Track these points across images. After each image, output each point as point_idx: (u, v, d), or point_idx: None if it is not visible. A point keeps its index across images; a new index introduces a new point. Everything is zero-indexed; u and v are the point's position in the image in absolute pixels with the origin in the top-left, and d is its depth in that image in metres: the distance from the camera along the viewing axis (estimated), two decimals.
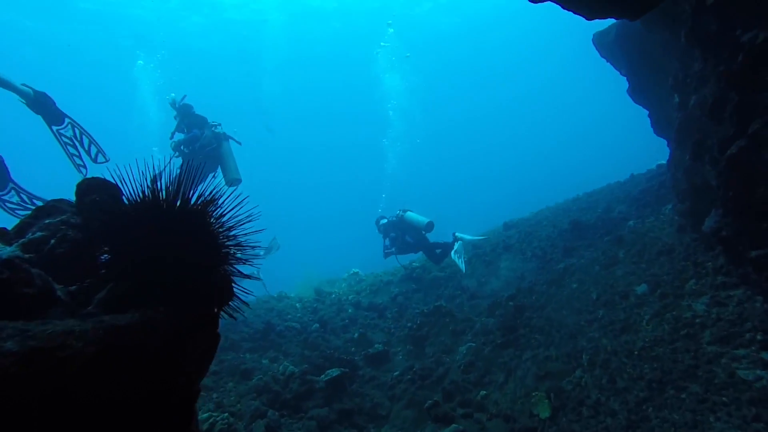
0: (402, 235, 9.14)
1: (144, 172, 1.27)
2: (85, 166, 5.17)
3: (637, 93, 6.80)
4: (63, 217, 1.19)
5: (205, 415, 4.54)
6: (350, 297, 9.47)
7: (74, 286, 1.08)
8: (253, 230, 1.47)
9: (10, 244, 1.14)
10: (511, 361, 4.88)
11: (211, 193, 1.31)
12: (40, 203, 5.47)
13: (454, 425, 4.13)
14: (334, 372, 4.85)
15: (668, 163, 6.15)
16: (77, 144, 5.09)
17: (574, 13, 3.09)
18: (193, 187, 1.25)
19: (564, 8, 3.14)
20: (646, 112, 7.75)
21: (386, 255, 9.36)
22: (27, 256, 1.09)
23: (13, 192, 4.97)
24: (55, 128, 4.92)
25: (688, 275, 4.23)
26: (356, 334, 7.08)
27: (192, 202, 1.25)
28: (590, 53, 8.37)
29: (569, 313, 5.14)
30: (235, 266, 1.43)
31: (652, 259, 5.17)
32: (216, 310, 1.39)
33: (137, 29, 24.91)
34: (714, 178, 3.20)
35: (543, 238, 8.87)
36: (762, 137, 2.68)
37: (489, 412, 4.37)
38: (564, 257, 7.16)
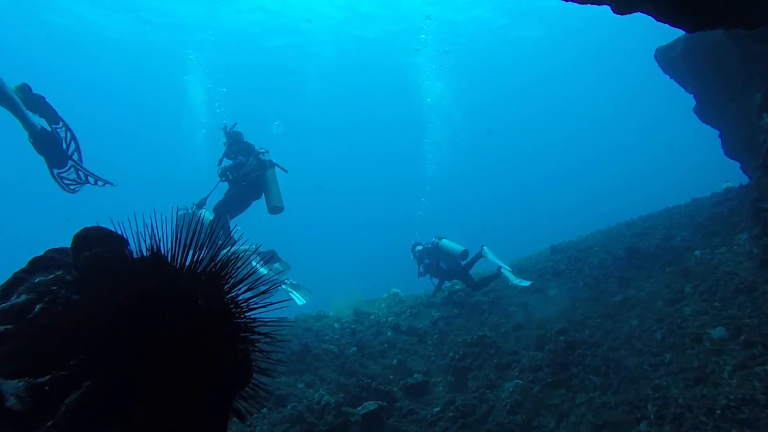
0: (436, 261, 9.18)
1: (161, 220, 1.09)
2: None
3: (706, 112, 6.25)
4: (58, 273, 1.03)
5: None
6: (390, 319, 9.20)
7: (46, 377, 0.89)
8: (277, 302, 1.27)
9: None
10: (563, 404, 4.45)
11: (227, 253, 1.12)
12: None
13: None
14: (372, 405, 4.59)
15: (746, 188, 5.56)
16: (80, 184, 5.12)
17: (672, 25, 2.77)
18: (211, 243, 1.07)
19: (658, 20, 2.82)
20: (715, 133, 7.15)
21: (420, 275, 9.59)
22: (3, 328, 0.93)
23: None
24: (56, 171, 4.92)
25: None
26: (395, 361, 6.80)
27: (204, 265, 1.07)
28: (650, 67, 7.86)
29: (629, 353, 4.66)
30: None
31: (729, 298, 4.61)
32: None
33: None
34: None
35: (595, 265, 8.31)
36: None
37: None
38: (620, 288, 6.61)
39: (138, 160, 42.23)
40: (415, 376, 5.88)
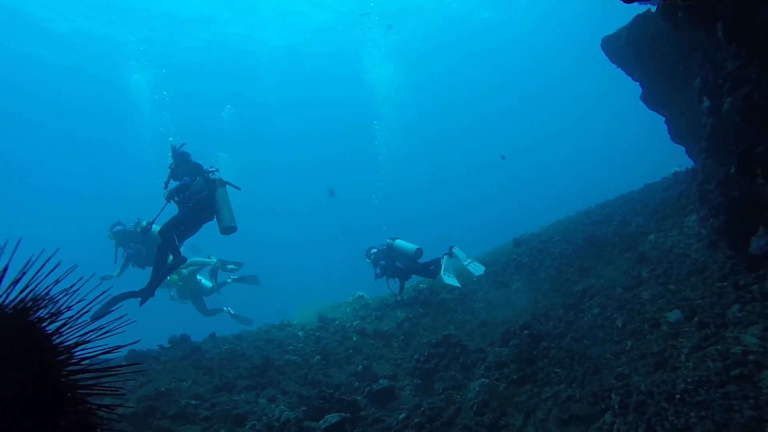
0: (392, 262, 9.24)
1: None
2: None
3: (652, 99, 6.37)
4: None
5: None
6: (355, 323, 8.98)
7: None
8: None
9: None
10: (530, 401, 4.36)
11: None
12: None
13: None
14: (334, 418, 4.36)
15: (692, 171, 5.68)
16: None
17: None
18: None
19: None
20: (661, 119, 7.32)
21: (377, 277, 9.64)
22: None
23: None
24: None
25: (729, 300, 3.73)
26: (360, 367, 6.58)
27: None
28: (601, 56, 7.99)
29: (592, 342, 4.63)
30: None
31: (682, 280, 4.66)
32: None
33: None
34: None
35: (556, 255, 8.38)
36: None
37: None
38: (581, 277, 6.65)
39: (75, 160, 39.01)
40: (381, 381, 5.69)
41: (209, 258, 10.11)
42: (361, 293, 11.17)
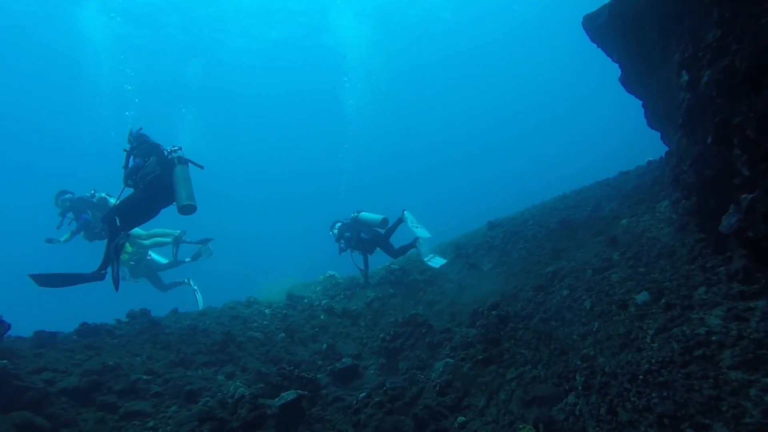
0: (357, 234, 9.17)
1: None
2: None
3: (630, 81, 6.25)
4: None
5: None
6: (323, 302, 8.81)
7: None
8: None
9: None
10: (494, 381, 4.26)
11: None
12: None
13: None
14: (290, 395, 4.17)
15: (666, 156, 5.61)
16: None
17: None
18: None
19: None
20: (636, 104, 7.24)
21: (341, 251, 9.60)
22: None
23: None
24: None
25: (695, 282, 3.66)
26: (324, 345, 6.41)
27: None
28: (577, 40, 7.83)
29: (559, 324, 4.54)
30: None
31: (652, 263, 4.60)
32: None
33: None
34: (745, 166, 2.61)
35: (529, 238, 8.31)
36: None
37: None
38: (552, 260, 6.58)
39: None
40: (344, 360, 5.52)
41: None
42: (332, 272, 10.99)
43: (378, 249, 9.26)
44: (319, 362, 5.98)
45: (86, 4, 22.47)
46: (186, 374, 5.23)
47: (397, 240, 9.56)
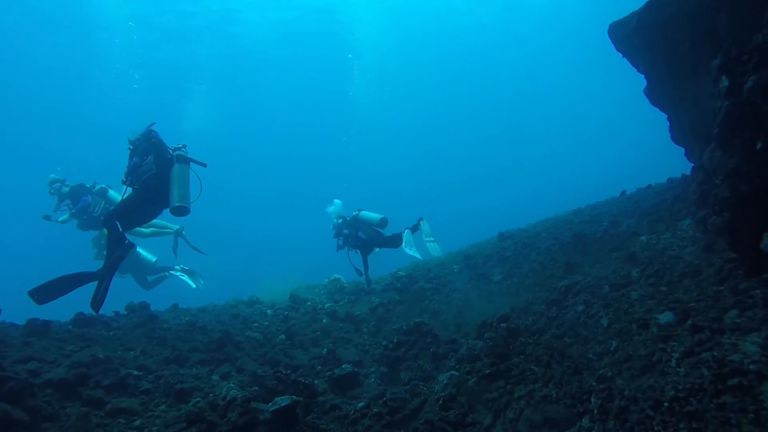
0: (355, 232, 9.03)
1: None
2: None
3: (656, 93, 6.00)
4: None
5: None
6: (327, 305, 8.59)
7: None
8: None
9: None
10: (501, 398, 4.00)
11: None
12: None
13: None
14: (285, 401, 3.95)
15: (693, 171, 5.35)
16: None
17: None
18: None
19: None
20: (656, 120, 6.98)
21: (338, 248, 9.47)
22: None
23: None
24: None
25: (726, 304, 3.39)
26: (325, 350, 6.19)
27: None
28: (601, 49, 7.59)
29: (573, 341, 4.28)
30: None
31: (674, 282, 4.33)
32: None
33: None
34: None
35: (542, 251, 8.05)
36: None
37: None
38: (566, 273, 6.31)
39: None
40: (344, 366, 5.29)
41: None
42: (337, 276, 10.77)
43: (376, 249, 9.12)
44: (318, 367, 5.76)
45: None
46: (178, 372, 5.04)
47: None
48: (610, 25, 6.28)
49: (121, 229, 5.83)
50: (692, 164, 6.39)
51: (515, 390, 4.05)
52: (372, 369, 5.79)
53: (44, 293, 5.37)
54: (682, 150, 6.79)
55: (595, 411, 3.15)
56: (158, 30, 26.92)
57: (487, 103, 46.89)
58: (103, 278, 5.45)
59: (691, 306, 3.64)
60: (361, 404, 4.27)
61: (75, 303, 6.70)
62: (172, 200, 5.71)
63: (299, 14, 29.24)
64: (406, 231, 8.66)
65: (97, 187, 8.70)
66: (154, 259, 9.90)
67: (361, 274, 9.24)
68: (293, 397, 4.03)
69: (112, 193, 8.68)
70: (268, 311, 8.38)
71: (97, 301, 5.36)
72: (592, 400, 3.25)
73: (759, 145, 2.68)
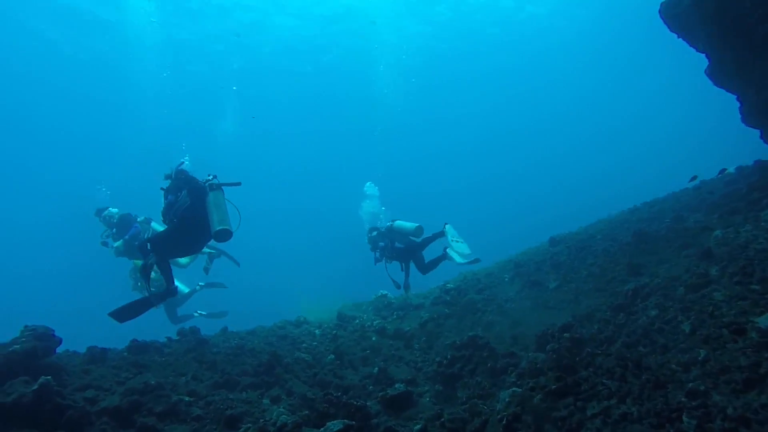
0: (391, 243, 8.92)
1: None
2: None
3: (720, 72, 5.47)
4: None
5: None
6: (375, 322, 8.35)
7: None
8: None
9: None
10: (572, 417, 3.60)
11: None
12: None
13: None
14: (336, 426, 3.73)
15: None
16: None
17: None
18: None
19: None
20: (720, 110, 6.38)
21: (376, 261, 9.33)
22: None
23: None
24: None
25: None
26: (376, 369, 5.94)
27: None
28: (650, 34, 7.08)
29: (650, 350, 3.83)
30: None
31: None
32: None
33: None
34: None
35: (599, 253, 7.51)
36: None
37: None
38: (630, 276, 5.79)
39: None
40: (397, 386, 5.01)
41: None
42: (384, 292, 10.53)
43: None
44: (370, 387, 5.51)
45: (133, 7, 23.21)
46: (228, 397, 4.94)
47: (430, 254, 9.16)
48: (662, 5, 5.82)
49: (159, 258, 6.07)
50: None
51: (587, 407, 3.63)
52: (426, 387, 5.48)
53: (123, 314, 5.92)
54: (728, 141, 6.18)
55: None
56: (188, 48, 27.84)
57: (524, 105, 45.35)
58: (168, 280, 6.06)
59: None
60: (418, 426, 3.98)
61: (133, 331, 6.88)
62: (213, 226, 5.76)
63: (319, 23, 29.37)
64: (447, 252, 8.79)
65: (141, 217, 9.03)
66: (187, 290, 10.09)
67: (399, 287, 9.03)
68: (345, 421, 3.82)
69: (154, 224, 8.97)
70: (316, 331, 8.25)
71: (125, 313, 5.92)
72: (685, 419, 2.82)
73: None
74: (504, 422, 3.85)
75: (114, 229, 8.86)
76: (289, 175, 48.23)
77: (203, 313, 10.24)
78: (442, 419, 4.12)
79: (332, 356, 6.67)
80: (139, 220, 8.98)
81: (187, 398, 4.67)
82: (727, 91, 5.70)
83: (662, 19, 5.84)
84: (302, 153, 45.65)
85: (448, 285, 9.37)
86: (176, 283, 9.65)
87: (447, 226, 8.68)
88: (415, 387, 5.44)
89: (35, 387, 3.87)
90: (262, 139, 40.29)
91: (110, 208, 9.12)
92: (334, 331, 7.98)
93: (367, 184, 9.79)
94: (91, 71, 28.81)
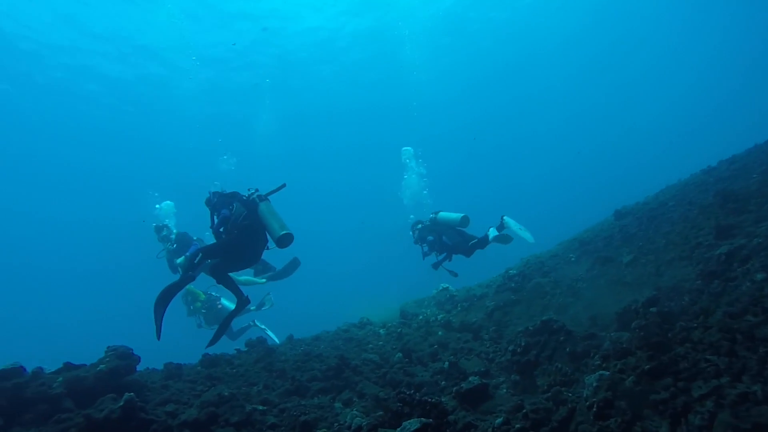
0: (439, 237, 8.56)
1: None
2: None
3: None
4: None
5: None
6: (439, 317, 8.14)
7: None
8: None
9: None
10: (675, 399, 3.21)
11: None
12: None
13: None
14: (414, 425, 3.56)
15: None
16: None
17: None
18: None
19: None
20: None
21: (424, 255, 8.96)
22: None
23: None
24: None
25: None
26: (446, 364, 5.72)
27: None
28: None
29: (762, 319, 3.35)
30: None
31: None
32: None
33: None
34: None
35: (676, 220, 6.88)
36: None
37: None
38: (719, 239, 5.20)
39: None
40: (471, 379, 4.76)
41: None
42: (445, 285, 10.28)
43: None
44: (443, 383, 5.30)
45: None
46: (301, 403, 4.91)
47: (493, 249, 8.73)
48: None
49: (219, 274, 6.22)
50: None
51: (692, 388, 3.23)
52: (501, 378, 5.19)
53: (217, 337, 6.28)
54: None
55: None
56: (217, 60, 28.62)
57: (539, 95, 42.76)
58: (236, 291, 6.25)
59: None
60: (500, 420, 3.72)
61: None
62: (274, 233, 5.83)
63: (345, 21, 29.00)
64: (491, 229, 8.30)
65: (195, 237, 9.38)
66: (233, 306, 10.31)
67: (455, 275, 8.74)
68: (422, 419, 3.63)
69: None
70: (381, 331, 8.16)
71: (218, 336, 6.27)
72: None
73: None
74: (594, 409, 3.51)
75: (175, 245, 9.23)
76: (328, 170, 46.96)
77: (252, 308, 10.29)
78: (524, 410, 3.83)
79: (400, 354, 6.52)
80: (194, 239, 9.33)
81: (260, 407, 4.69)
82: None
83: None
84: (341, 146, 44.22)
85: (511, 271, 8.96)
86: (223, 301, 9.97)
87: (505, 218, 8.30)
88: (489, 379, 5.17)
89: (121, 403, 4.01)
90: (304, 130, 39.43)
91: (167, 223, 9.58)
92: (399, 329, 7.84)
93: (404, 149, 9.52)
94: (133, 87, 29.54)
